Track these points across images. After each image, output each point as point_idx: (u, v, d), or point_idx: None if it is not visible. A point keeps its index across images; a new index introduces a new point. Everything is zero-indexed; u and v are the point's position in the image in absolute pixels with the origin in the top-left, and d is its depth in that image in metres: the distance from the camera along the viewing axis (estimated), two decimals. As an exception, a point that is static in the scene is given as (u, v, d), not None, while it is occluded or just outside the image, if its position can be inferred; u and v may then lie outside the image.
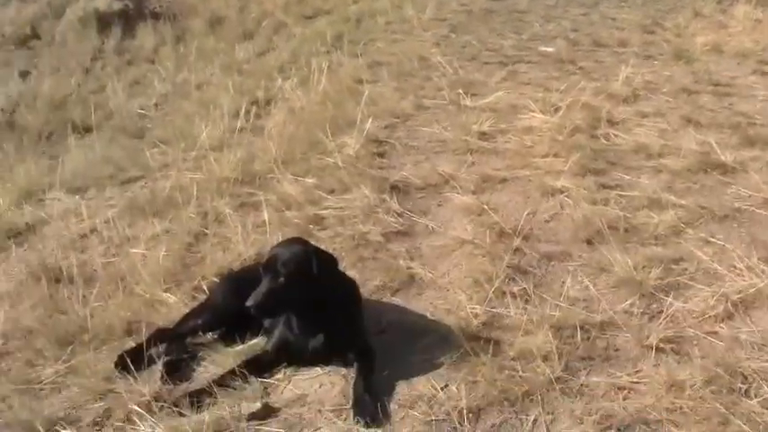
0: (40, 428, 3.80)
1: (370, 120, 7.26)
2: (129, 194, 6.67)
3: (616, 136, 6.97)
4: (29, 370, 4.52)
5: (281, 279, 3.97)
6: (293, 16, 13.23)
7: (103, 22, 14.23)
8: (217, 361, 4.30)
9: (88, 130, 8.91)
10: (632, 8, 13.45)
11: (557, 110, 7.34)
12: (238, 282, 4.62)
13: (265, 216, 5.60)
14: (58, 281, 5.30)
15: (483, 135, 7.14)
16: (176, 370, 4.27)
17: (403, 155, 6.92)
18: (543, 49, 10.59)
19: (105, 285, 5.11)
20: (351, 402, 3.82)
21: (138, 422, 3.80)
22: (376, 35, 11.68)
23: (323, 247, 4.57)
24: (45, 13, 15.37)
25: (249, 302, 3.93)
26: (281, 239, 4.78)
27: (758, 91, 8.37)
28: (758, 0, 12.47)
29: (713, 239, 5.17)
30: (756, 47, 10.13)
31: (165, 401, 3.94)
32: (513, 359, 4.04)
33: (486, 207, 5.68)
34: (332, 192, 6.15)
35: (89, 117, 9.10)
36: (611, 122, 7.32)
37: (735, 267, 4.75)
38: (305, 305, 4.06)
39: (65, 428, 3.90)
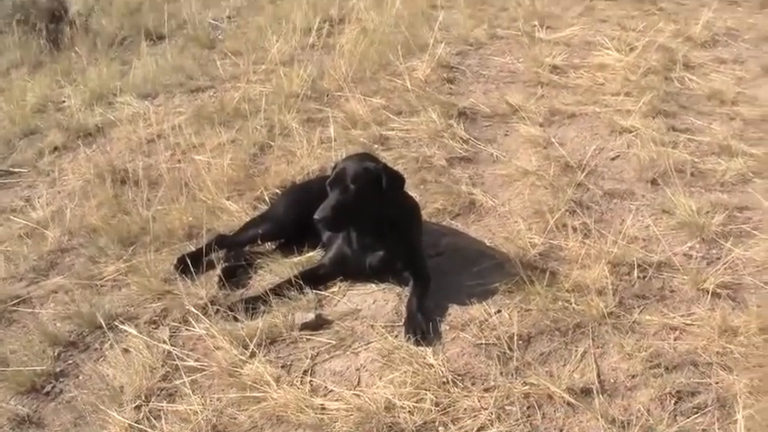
0: (102, 321, 3.91)
1: (443, 45, 7.20)
2: (198, 103, 6.73)
3: (691, 80, 6.80)
4: (91, 266, 4.66)
5: (351, 193, 3.98)
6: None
7: (182, -68, 14.12)
8: (274, 270, 4.38)
9: (161, 37, 8.92)
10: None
11: (632, 49, 7.17)
12: (300, 194, 4.70)
13: (331, 132, 5.63)
14: (123, 182, 5.42)
15: (555, 69, 7.02)
16: (234, 276, 4.36)
17: (473, 82, 6.85)
18: (624, -15, 10.32)
19: (169, 189, 5.20)
20: (403, 320, 3.86)
21: (194, 323, 3.91)
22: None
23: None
24: None
25: (317, 215, 3.95)
26: (345, 155, 4.82)
27: None
28: None
29: (781, 190, 5.06)
30: None
31: (220, 305, 4.02)
32: (567, 291, 4.03)
33: (552, 140, 5.63)
34: (399, 113, 6.13)
35: (162, 25, 9.12)
36: (687, 66, 7.14)
37: (801, 219, 4.66)
38: (368, 221, 4.08)
39: (123, 324, 4.00)
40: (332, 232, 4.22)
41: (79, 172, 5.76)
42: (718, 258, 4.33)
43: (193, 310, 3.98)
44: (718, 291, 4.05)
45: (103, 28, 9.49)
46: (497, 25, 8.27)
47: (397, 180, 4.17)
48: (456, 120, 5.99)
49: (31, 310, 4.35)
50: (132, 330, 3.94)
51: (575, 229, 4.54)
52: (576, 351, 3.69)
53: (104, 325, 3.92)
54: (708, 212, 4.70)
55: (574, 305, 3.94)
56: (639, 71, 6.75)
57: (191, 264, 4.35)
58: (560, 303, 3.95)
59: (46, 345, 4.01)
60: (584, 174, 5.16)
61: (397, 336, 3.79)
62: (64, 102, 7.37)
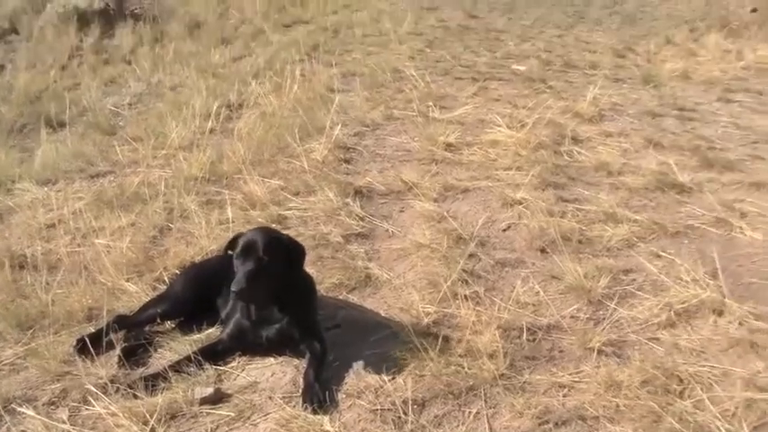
0: (-1, 403, 3.90)
1: (339, 127, 7.42)
2: (98, 188, 6.76)
3: (579, 153, 7.14)
4: (-20, 353, 4.62)
5: (263, 262, 4.07)
6: (272, 24, 13.36)
7: (83, 20, 14.29)
8: (174, 348, 4.42)
9: (61, 124, 8.98)
10: (606, 32, 13.74)
11: (523, 126, 7.50)
12: (197, 273, 4.79)
13: (229, 213, 5.74)
14: (22, 267, 5.40)
15: (449, 146, 7.29)
16: (134, 355, 4.37)
17: (369, 162, 7.06)
18: (515, 67, 10.79)
19: (69, 273, 5.20)
20: (300, 390, 3.94)
21: (94, 402, 3.91)
22: (352, 46, 11.85)
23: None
24: (25, 8, 15.41)
25: (233, 287, 4.01)
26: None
27: (721, 117, 8.59)
28: (729, 31, 12.77)
29: (663, 253, 5.33)
30: (723, 76, 10.40)
31: (120, 384, 4.04)
32: (460, 356, 4.17)
33: (445, 214, 5.83)
34: (297, 194, 6.28)
35: (63, 112, 9.21)
36: (576, 140, 7.50)
37: (681, 279, 4.90)
38: (270, 293, 4.17)
39: (20, 406, 3.98)
40: (248, 303, 4.25)
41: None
42: (604, 318, 4.55)
43: (93, 389, 3.98)
44: (604, 348, 4.26)
45: (3, 116, 9.49)
46: (393, 107, 8.54)
47: (301, 251, 4.30)
48: (352, 198, 6.17)
49: (-75, 398, 4.28)
50: (30, 412, 3.92)
51: (466, 298, 4.70)
52: (470, 412, 3.82)
53: (0, 409, 3.90)
54: (594, 276, 4.93)
55: (466, 369, 4.07)
56: (530, 146, 7.06)
57: (90, 344, 4.35)
58: (453, 368, 4.08)
59: (-59, 432, 3.96)
60: (476, 244, 5.37)
61: (294, 406, 3.86)
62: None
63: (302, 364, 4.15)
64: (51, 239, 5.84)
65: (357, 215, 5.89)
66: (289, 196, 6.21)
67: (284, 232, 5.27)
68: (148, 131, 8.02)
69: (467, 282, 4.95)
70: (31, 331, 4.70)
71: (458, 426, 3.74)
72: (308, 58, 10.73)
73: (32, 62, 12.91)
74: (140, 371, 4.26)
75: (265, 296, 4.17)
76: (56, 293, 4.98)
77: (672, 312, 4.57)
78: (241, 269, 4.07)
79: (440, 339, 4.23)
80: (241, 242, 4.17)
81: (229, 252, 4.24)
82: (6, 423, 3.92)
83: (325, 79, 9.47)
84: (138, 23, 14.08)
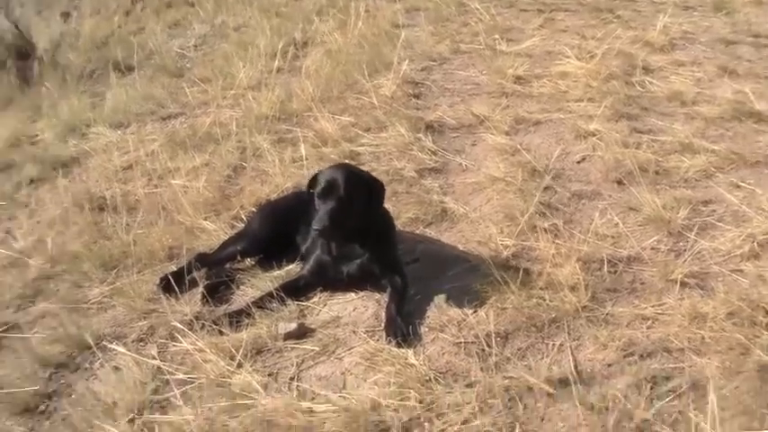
0: (90, 341, 4.00)
1: (407, 62, 7.34)
2: (170, 129, 6.83)
3: (651, 83, 6.98)
4: (76, 290, 4.75)
5: (345, 201, 4.10)
6: (331, -39, 13.21)
7: (145, -36, 14.27)
8: (255, 285, 4.50)
9: (129, 69, 9.03)
10: (672, -41, 13.33)
11: (592, 56, 7.35)
12: (274, 210, 4.84)
13: (302, 151, 5.75)
14: (102, 209, 5.51)
15: (518, 79, 7.18)
16: (216, 293, 4.45)
17: (438, 96, 6.99)
18: (581, -3, 10.54)
19: (147, 214, 5.30)
20: (383, 324, 3.98)
21: (181, 338, 3.99)
22: (414, -20, 11.67)
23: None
24: (86, -44, 15.48)
25: (316, 226, 4.07)
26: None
27: (797, 42, 8.32)
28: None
29: (743, 184, 5.21)
30: (800, -1, 10.04)
31: (205, 321, 4.12)
32: (541, 288, 4.16)
33: (519, 147, 5.77)
34: (368, 130, 6.26)
35: (130, 56, 9.26)
36: (647, 70, 7.33)
37: (763, 210, 4.80)
38: (352, 229, 4.20)
39: (111, 343, 4.09)
40: (330, 241, 4.28)
41: (57, 201, 5.85)
42: (685, 250, 4.48)
43: (179, 326, 4.07)
44: (687, 280, 4.20)
45: (71, 62, 9.59)
46: (460, 40, 8.42)
47: (381, 188, 4.32)
48: (424, 132, 6.13)
49: (20, 336, 4.42)
50: (121, 348, 4.03)
51: (545, 230, 4.66)
52: (553, 345, 3.82)
53: (93, 345, 4.01)
54: (673, 208, 4.85)
55: (548, 302, 4.07)
56: (600, 77, 6.91)
57: (174, 282, 4.45)
58: (535, 300, 4.08)
59: (37, 367, 4.09)
60: (551, 177, 5.32)
61: (378, 340, 3.91)
62: (37, 135, 7.48)
63: (383, 298, 4.19)
64: (128, 181, 5.93)
65: (429, 150, 5.87)
66: (360, 132, 6.20)
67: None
68: (215, 72, 8.05)
69: (544, 214, 4.91)
70: (115, 271, 4.82)
71: (542, 358, 3.74)
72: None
73: (96, 8, 12.95)
74: (223, 308, 4.34)
75: (346, 233, 4.19)
76: (136, 234, 5.09)
77: (755, 243, 4.47)
78: (323, 207, 4.11)
79: (520, 272, 4.23)
80: (322, 180, 4.19)
81: (311, 190, 4.26)
82: (99, 359, 4.04)
83: (389, 15, 9.34)
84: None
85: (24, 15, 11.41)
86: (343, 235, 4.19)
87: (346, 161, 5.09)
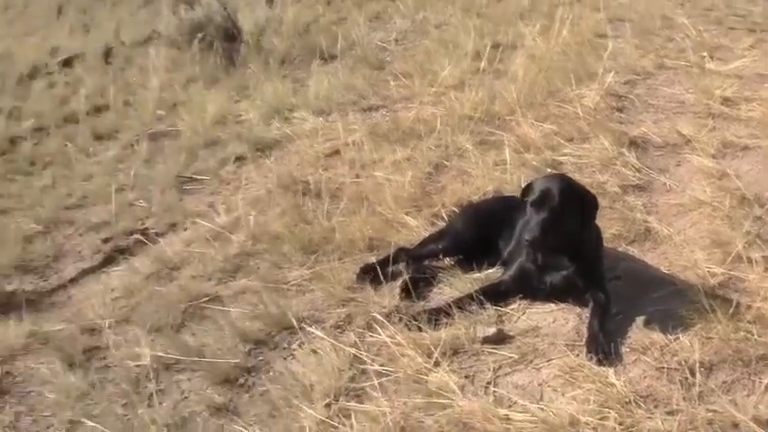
0: (294, 321, 4.09)
1: (612, 74, 7.19)
2: (372, 121, 6.92)
3: None
4: (276, 270, 4.88)
5: (557, 213, 4.05)
6: (534, -35, 13.11)
7: (348, -44, 14.55)
8: (453, 285, 4.49)
9: (330, 57, 9.22)
10: None
11: (809, 83, 7.02)
12: (478, 213, 4.83)
13: (507, 156, 5.70)
14: (304, 193, 5.64)
15: (726, 100, 6.91)
16: (414, 288, 4.46)
17: (642, 111, 6.83)
18: (798, 19, 10.06)
19: (349, 202, 5.37)
20: (585, 339, 3.89)
21: (379, 329, 4.02)
22: (619, -10, 11.44)
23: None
24: (292, -55, 15.96)
25: (527, 236, 4.05)
26: (522, 178, 4.93)
27: None
28: None
29: None
30: None
31: (403, 315, 4.14)
32: (749, 322, 3.96)
33: (728, 171, 5.55)
34: (570, 139, 6.17)
35: (331, 45, 9.46)
36: None
37: None
38: (561, 241, 4.13)
39: (310, 326, 4.17)
40: (539, 251, 4.23)
41: (260, 181, 6.04)
42: None
43: (379, 317, 4.11)
44: None
45: (275, 47, 9.86)
46: (665, 55, 8.20)
47: (594, 202, 4.25)
48: (627, 148, 5.99)
49: (220, 308, 4.58)
50: (319, 333, 4.10)
51: (756, 262, 4.46)
52: (760, 382, 3.64)
53: (296, 326, 4.10)
54: None
55: (756, 337, 3.87)
56: (819, 104, 6.58)
57: (373, 274, 4.51)
58: (742, 334, 3.89)
59: (237, 341, 4.22)
60: (762, 207, 5.07)
61: (578, 354, 3.83)
62: (241, 115, 7.74)
63: (584, 313, 4.10)
64: (330, 168, 6.05)
65: (633, 166, 5.72)
66: (562, 141, 6.11)
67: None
68: (417, 68, 8.12)
69: (754, 245, 4.69)
70: (315, 256, 4.92)
71: (748, 395, 3.57)
72: (572, 1, 10.45)
73: (299, -4, 13.33)
74: (421, 304, 4.36)
75: (555, 244, 4.13)
76: (338, 221, 5.17)
77: None
78: (535, 217, 4.07)
79: (727, 303, 4.05)
80: (537, 189, 4.15)
81: (524, 198, 4.22)
82: (298, 340, 4.13)
83: (592, 24, 9.19)
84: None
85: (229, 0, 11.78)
86: (553, 246, 4.13)
87: (561, 172, 5.00)
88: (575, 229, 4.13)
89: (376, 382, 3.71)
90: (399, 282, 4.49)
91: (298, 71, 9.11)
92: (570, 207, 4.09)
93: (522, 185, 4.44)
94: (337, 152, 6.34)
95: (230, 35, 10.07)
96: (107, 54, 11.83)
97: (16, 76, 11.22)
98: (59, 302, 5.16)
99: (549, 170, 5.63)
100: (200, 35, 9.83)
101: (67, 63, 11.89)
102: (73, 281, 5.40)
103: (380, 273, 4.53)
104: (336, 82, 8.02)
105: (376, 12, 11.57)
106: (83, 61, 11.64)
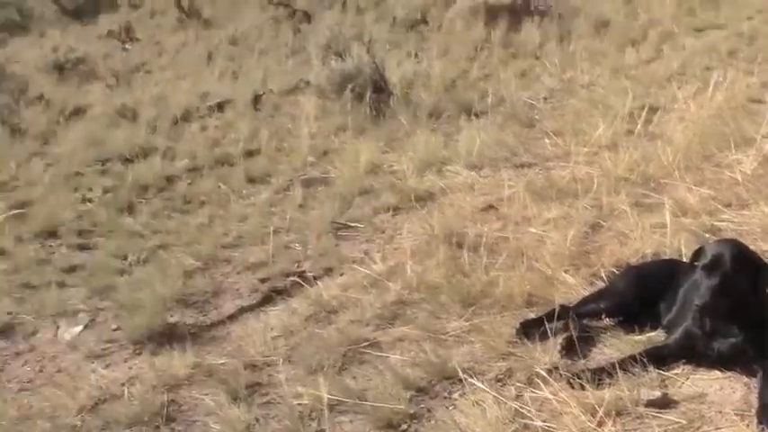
0: (459, 370, 4.14)
1: (769, 140, 7.06)
2: (526, 178, 6.96)
3: None
4: (434, 320, 4.95)
5: (730, 280, 4.01)
6: (682, 27, 12.96)
7: (491, 14, 14.75)
8: (614, 345, 4.47)
9: (476, 113, 9.35)
10: None
11: None
12: (641, 274, 4.80)
13: (667, 219, 5.64)
14: (460, 246, 5.68)
15: None
16: (573, 346, 4.44)
17: (804, 183, 6.65)
18: None
19: (506, 257, 5.40)
20: (755, 409, 3.80)
21: (542, 385, 4.03)
22: (770, 55, 11.24)
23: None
24: (434, 1, 16.32)
25: (698, 301, 4.03)
26: (682, 242, 4.92)
27: None
28: None
29: None
30: None
31: (563, 372, 4.14)
32: None
33: None
34: (728, 205, 6.06)
35: (478, 101, 9.62)
36: None
37: None
38: (731, 309, 4.08)
39: (471, 377, 4.20)
40: (709, 317, 4.17)
41: (415, 232, 6.14)
42: None
43: (541, 372, 4.11)
44: None
45: (423, 100, 10.04)
46: (824, 124, 7.99)
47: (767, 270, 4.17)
48: (790, 217, 5.85)
49: (379, 354, 4.67)
50: (480, 385, 4.12)
51: None
52: None
53: (461, 375, 4.14)
54: None
55: None
56: None
57: (531, 330, 4.53)
58: None
59: (399, 387, 4.27)
60: None
61: (748, 425, 3.74)
62: (393, 166, 7.89)
63: (753, 383, 4.00)
64: (485, 222, 6.11)
65: (797, 236, 5.59)
66: (720, 207, 6.01)
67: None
68: (567, 127, 8.15)
69: None
70: (473, 308, 4.96)
71: None
72: (724, 64, 10.33)
73: (443, 51, 13.55)
74: (583, 362, 4.34)
75: (725, 310, 4.08)
76: (494, 275, 5.21)
77: None
78: (706, 282, 4.03)
79: None
80: (708, 254, 4.12)
81: (694, 263, 4.19)
82: (459, 390, 4.18)
83: (745, 88, 9.05)
84: (544, 20, 14.29)
85: (377, 53, 12.05)
86: (722, 312, 4.07)
87: (734, 238, 4.92)
88: (746, 296, 4.07)
89: (539, 437, 3.72)
90: (560, 339, 4.49)
91: (445, 125, 9.25)
92: (742, 273, 4.03)
93: (683, 250, 4.41)
94: (492, 207, 6.41)
95: (378, 87, 10.32)
96: (256, 101, 12.24)
97: (170, 118, 11.70)
98: (219, 337, 5.32)
99: (707, 235, 5.56)
100: (350, 86, 10.09)
101: (218, 108, 12.35)
102: (232, 317, 5.57)
103: (538, 329, 4.54)
104: (486, 137, 8.10)
105: (522, 69, 11.69)
106: (233, 107, 12.09)
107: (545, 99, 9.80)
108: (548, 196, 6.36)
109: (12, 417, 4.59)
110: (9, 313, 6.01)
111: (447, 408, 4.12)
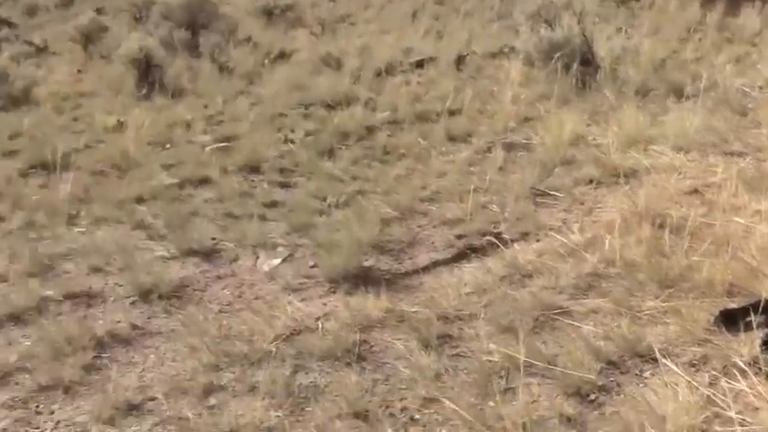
0: (655, 349, 4.11)
1: None
2: (735, 167, 6.73)
3: None
4: (629, 297, 4.89)
5: None
6: None
7: (705, -3, 14.32)
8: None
9: (685, 95, 9.09)
10: None
11: None
12: None
13: None
14: (661, 227, 5.58)
15: None
16: (774, 342, 4.33)
17: None
18: None
19: (709, 244, 5.27)
20: None
21: (739, 377, 3.95)
22: None
23: None
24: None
25: None
26: None
27: None
28: None
29: None
30: None
31: (762, 367, 4.03)
32: None
33: None
34: None
35: (687, 83, 9.35)
36: None
37: None
38: None
39: (664, 358, 4.15)
40: None
41: (615, 207, 6.08)
42: None
43: (739, 363, 4.03)
44: None
45: (630, 78, 9.87)
46: None
47: None
48: None
49: (571, 323, 4.68)
50: (674, 367, 4.08)
51: None
52: None
53: (656, 354, 4.11)
54: None
55: None
56: None
57: (733, 319, 4.42)
58: None
59: (590, 357, 4.28)
60: None
61: None
62: (596, 139, 7.81)
63: None
64: (689, 206, 5.96)
65: None
66: None
67: None
68: (782, 118, 7.84)
69: None
70: (670, 291, 4.88)
71: None
72: None
73: (654, 30, 13.24)
74: (781, 359, 4.22)
75: None
76: (695, 260, 5.10)
77: None
78: None
79: None
80: None
81: None
82: (651, 368, 4.15)
83: None
84: (766, 6, 13.71)
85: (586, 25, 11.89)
86: None
87: None
88: None
89: (733, 429, 3.65)
90: (762, 333, 4.37)
91: (651, 104, 9.07)
92: None
93: None
94: (697, 191, 6.25)
95: (586, 59, 10.23)
96: (459, 61, 12.35)
97: (373, 69, 11.98)
98: (412, 286, 5.45)
99: None
100: (557, 55, 10.01)
101: (420, 64, 12.53)
102: (425, 269, 5.68)
103: (739, 321, 4.43)
104: (696, 121, 7.88)
105: (737, 55, 11.29)
106: (435, 65, 12.24)
107: (760, 88, 9.42)
108: (758, 187, 6.13)
109: (213, 335, 4.87)
110: (213, 239, 6.36)
111: (637, 384, 4.09)
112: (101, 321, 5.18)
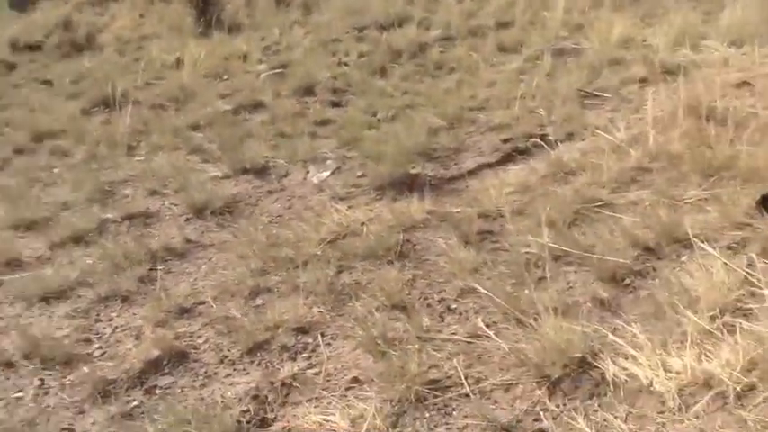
0: (690, 234, 4.12)
1: None
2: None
3: None
4: (671, 187, 4.90)
5: None
6: None
7: None
8: None
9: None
10: None
11: None
12: None
13: None
14: (708, 119, 5.53)
15: None
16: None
17: None
18: None
19: (755, 132, 5.21)
20: None
21: (775, 257, 3.95)
22: None
23: None
24: None
25: None
26: None
27: None
28: None
29: None
30: None
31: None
32: None
33: None
34: None
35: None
36: None
37: None
38: None
39: (702, 242, 4.16)
40: None
41: (663, 103, 6.02)
42: None
43: (776, 244, 4.03)
44: None
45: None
46: None
47: None
48: None
49: (611, 214, 4.70)
50: (711, 250, 4.08)
51: None
52: None
53: (691, 238, 4.12)
54: None
55: None
56: None
57: (772, 203, 4.40)
58: None
59: (627, 245, 4.31)
60: None
61: None
62: (646, 40, 7.71)
63: None
64: (736, 98, 5.89)
65: None
66: None
67: None
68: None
69: None
70: (713, 179, 4.87)
71: None
72: None
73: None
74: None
75: None
76: (740, 149, 5.05)
77: None
78: None
79: None
80: None
81: None
82: (687, 254, 4.17)
83: None
84: None
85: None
86: None
87: None
88: None
89: (764, 305, 3.66)
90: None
91: (708, 3, 8.85)
92: None
93: None
94: (746, 83, 6.14)
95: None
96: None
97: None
98: (457, 189, 5.51)
99: None
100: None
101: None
102: (471, 172, 5.73)
103: (779, 203, 4.42)
104: (751, 14, 7.69)
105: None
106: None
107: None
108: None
109: (262, 242, 5.02)
110: (265, 157, 6.50)
111: (673, 269, 4.11)
112: (157, 238, 5.38)
